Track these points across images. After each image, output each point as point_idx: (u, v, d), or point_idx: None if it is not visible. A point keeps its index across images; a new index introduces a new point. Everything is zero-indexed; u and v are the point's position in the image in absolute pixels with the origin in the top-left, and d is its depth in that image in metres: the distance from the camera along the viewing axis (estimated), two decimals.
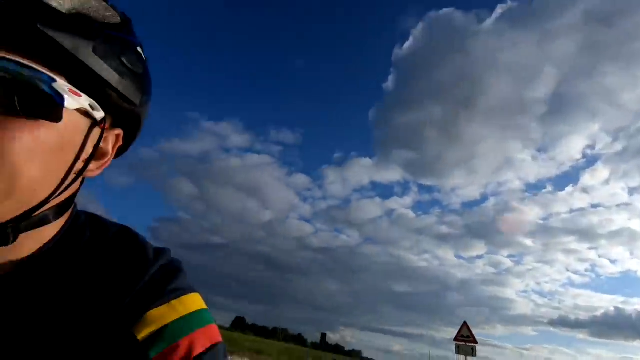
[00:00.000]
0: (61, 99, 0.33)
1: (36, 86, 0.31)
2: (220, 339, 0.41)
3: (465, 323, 10.44)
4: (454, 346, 10.33)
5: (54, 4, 0.32)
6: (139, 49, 0.41)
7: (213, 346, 0.40)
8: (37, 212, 0.36)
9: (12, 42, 0.31)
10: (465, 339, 10.21)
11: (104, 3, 0.38)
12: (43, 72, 0.32)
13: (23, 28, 0.30)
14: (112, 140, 0.41)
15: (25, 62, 0.31)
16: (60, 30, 0.31)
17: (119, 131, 0.42)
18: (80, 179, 0.40)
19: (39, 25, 0.30)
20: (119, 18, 0.39)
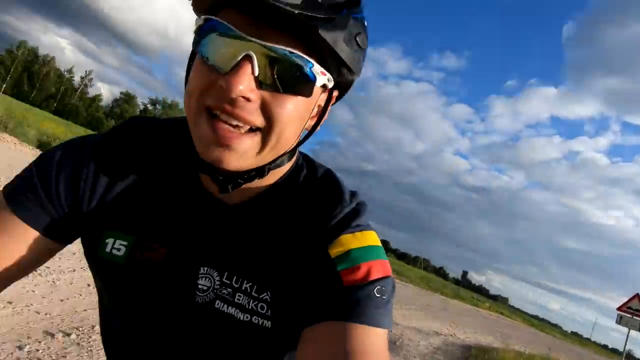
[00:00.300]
0: (315, 79, 0.41)
1: (301, 70, 0.39)
2: (391, 273, 0.48)
3: (637, 295, 9.08)
4: (616, 315, 9.31)
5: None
6: (365, 22, 0.45)
7: (386, 277, 0.47)
8: (283, 156, 0.48)
9: (280, 27, 0.38)
10: (634, 312, 9.01)
11: None
12: (305, 58, 0.39)
13: (302, 26, 0.37)
14: (332, 102, 0.49)
15: (294, 49, 0.38)
16: (329, 31, 0.37)
17: (336, 93, 0.48)
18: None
19: (323, 34, 0.37)
20: None
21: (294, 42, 0.38)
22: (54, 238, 0.48)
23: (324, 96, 0.46)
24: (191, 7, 0.43)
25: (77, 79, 78.59)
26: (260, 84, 0.39)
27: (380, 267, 0.47)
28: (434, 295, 20.86)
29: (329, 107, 0.49)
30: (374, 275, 0.45)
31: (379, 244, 0.50)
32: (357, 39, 0.42)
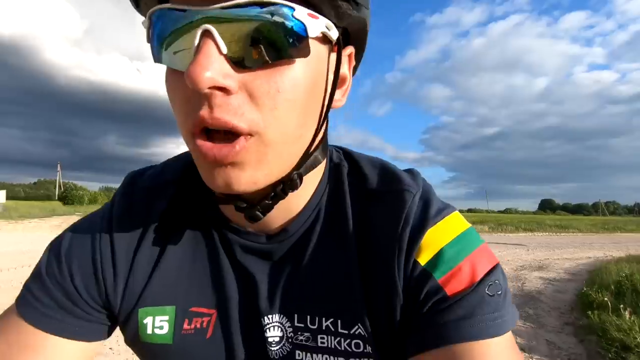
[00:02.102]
0: (304, 29, 0.30)
1: (282, 23, 0.29)
2: (497, 259, 0.39)
3: None
4: None
5: None
6: None
7: (495, 267, 0.38)
8: (310, 155, 0.37)
9: None
10: None
11: None
12: (282, 3, 0.28)
13: None
14: (346, 61, 0.38)
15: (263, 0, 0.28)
16: None
17: (350, 49, 0.38)
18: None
19: None
20: None
21: None
22: (87, 339, 0.41)
23: (333, 56, 0.36)
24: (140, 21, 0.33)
25: None
26: (236, 63, 0.29)
27: (483, 256, 0.38)
28: (605, 235, 20.07)
29: (350, 70, 0.39)
30: (481, 272, 0.37)
31: (468, 224, 0.41)
32: None
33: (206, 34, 0.28)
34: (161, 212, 0.43)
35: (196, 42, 0.28)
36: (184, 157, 0.46)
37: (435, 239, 0.38)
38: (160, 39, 0.31)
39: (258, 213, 0.36)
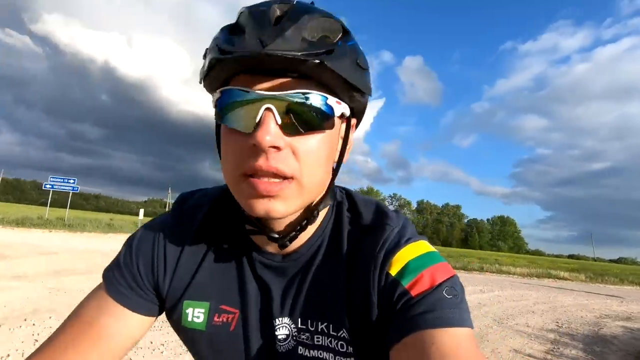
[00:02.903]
0: (332, 111, 0.43)
1: (318, 107, 0.42)
2: (454, 272, 0.49)
3: None
4: None
5: (312, 39, 0.41)
6: (360, 47, 0.48)
7: (451, 277, 0.47)
8: (325, 196, 0.50)
9: (289, 75, 0.41)
10: None
11: (331, 19, 0.44)
12: (319, 94, 0.42)
13: (304, 67, 0.40)
14: (352, 130, 0.51)
15: (307, 90, 0.41)
16: (334, 60, 0.40)
17: (354, 121, 0.51)
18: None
19: (331, 65, 0.40)
20: (341, 27, 0.45)
21: (305, 81, 0.42)
22: (145, 314, 0.54)
23: (343, 126, 0.49)
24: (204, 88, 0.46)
25: None
26: (285, 130, 0.41)
27: (442, 269, 0.48)
28: None
29: (351, 136, 0.51)
30: (439, 279, 0.46)
31: (434, 249, 0.51)
32: (359, 62, 0.45)
33: (268, 109, 0.40)
34: (198, 227, 0.55)
35: (260, 115, 0.40)
36: (221, 187, 0.59)
37: (403, 256, 0.49)
38: (228, 107, 0.42)
39: (287, 242, 0.49)
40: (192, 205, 0.57)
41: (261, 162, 0.40)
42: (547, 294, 10.13)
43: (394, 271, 0.48)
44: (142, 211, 18.34)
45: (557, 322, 6.03)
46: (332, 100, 0.43)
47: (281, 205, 0.43)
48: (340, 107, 0.44)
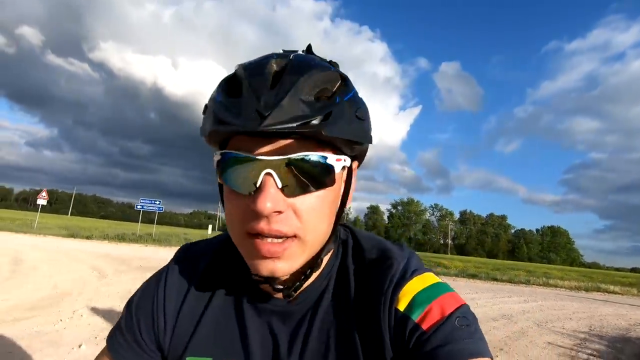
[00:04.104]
0: (333, 168, 0.44)
1: (317, 168, 0.42)
2: (464, 301, 0.48)
3: None
4: None
5: (310, 98, 0.41)
6: (358, 95, 0.48)
7: (461, 306, 0.47)
8: (329, 243, 0.50)
9: (277, 137, 0.41)
10: None
11: (328, 70, 0.45)
12: (318, 154, 0.42)
13: (302, 132, 0.40)
14: (354, 173, 0.51)
15: (307, 152, 0.42)
16: (332, 126, 0.41)
17: (355, 164, 0.52)
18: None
19: (329, 134, 0.40)
20: (339, 76, 0.46)
21: (305, 143, 0.42)
22: None
23: (345, 173, 0.49)
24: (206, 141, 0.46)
25: None
26: (286, 193, 0.42)
27: (451, 299, 0.47)
28: None
29: (354, 179, 0.52)
30: (449, 309, 0.46)
31: (438, 279, 0.51)
32: (357, 115, 0.45)
33: (267, 174, 0.41)
34: (199, 277, 0.55)
35: (260, 179, 0.41)
36: (224, 236, 0.59)
37: (410, 290, 0.48)
38: (228, 169, 0.43)
39: (292, 292, 0.49)
40: (193, 256, 0.58)
41: (263, 225, 0.42)
42: (589, 305, 10.95)
43: (402, 306, 0.47)
44: (210, 226, 20.86)
45: (591, 327, 7.19)
46: (332, 159, 0.44)
47: (285, 265, 0.44)
48: (341, 163, 0.45)
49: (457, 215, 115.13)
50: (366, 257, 0.54)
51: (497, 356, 4.60)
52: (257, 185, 0.41)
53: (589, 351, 5.34)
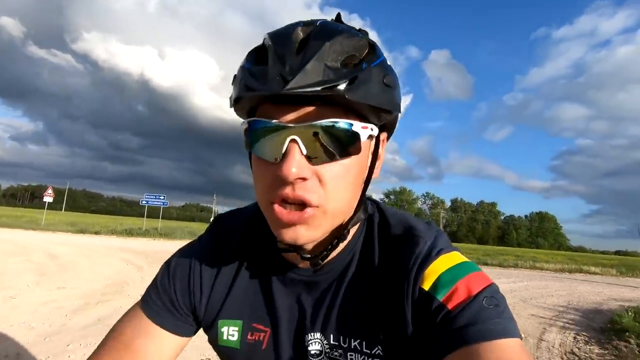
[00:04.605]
0: (358, 136, 0.43)
1: (344, 134, 0.42)
2: (492, 281, 0.47)
3: None
4: None
5: (337, 64, 0.41)
6: (388, 62, 0.47)
7: (489, 285, 0.46)
8: (355, 215, 0.51)
9: (314, 102, 0.41)
10: None
11: (356, 37, 0.44)
12: (344, 121, 0.42)
13: (332, 96, 0.40)
14: (381, 145, 0.52)
15: (333, 119, 0.41)
16: (356, 91, 0.40)
17: (384, 135, 0.52)
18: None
19: (352, 98, 0.40)
20: (367, 43, 0.45)
21: (331, 108, 0.42)
22: (181, 335, 0.57)
23: (372, 143, 0.49)
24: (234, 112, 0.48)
25: None
26: (311, 160, 0.42)
27: (478, 278, 0.47)
28: None
29: (382, 150, 0.52)
30: (476, 289, 0.45)
31: (464, 258, 0.50)
32: (385, 82, 0.44)
33: (293, 141, 0.41)
34: (234, 248, 0.58)
35: (285, 146, 0.41)
36: (255, 206, 0.60)
37: (435, 269, 0.48)
38: (255, 137, 0.44)
39: (319, 261, 0.50)
40: (229, 227, 0.61)
41: (288, 192, 0.42)
42: (570, 284, 12.09)
43: (427, 285, 0.47)
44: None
45: (569, 302, 8.24)
46: (357, 126, 0.43)
47: (307, 233, 0.45)
48: (367, 131, 0.45)
49: (448, 203, 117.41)
50: (392, 232, 0.54)
51: None
52: (283, 152, 0.42)
53: (565, 320, 6.35)
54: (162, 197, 21.22)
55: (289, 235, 0.45)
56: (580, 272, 18.01)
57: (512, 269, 17.23)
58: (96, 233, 18.28)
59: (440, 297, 0.45)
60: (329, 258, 0.53)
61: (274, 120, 0.42)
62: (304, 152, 0.42)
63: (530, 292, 9.50)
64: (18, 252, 9.18)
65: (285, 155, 0.41)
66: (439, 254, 0.50)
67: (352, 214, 0.50)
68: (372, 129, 0.46)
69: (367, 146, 0.48)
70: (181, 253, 0.61)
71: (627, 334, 5.01)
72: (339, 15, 0.50)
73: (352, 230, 0.54)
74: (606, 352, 4.50)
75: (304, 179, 0.42)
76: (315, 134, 0.42)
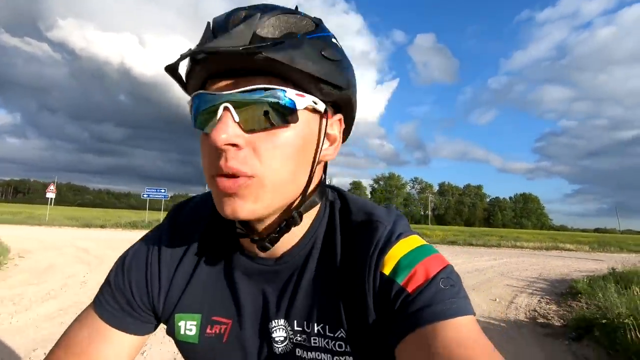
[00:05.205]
0: (294, 104, 0.42)
1: (277, 101, 0.42)
2: (448, 262, 0.48)
3: None
4: None
5: (269, 35, 0.42)
6: (333, 40, 0.48)
7: (444, 267, 0.47)
8: (307, 197, 0.48)
9: (251, 73, 0.41)
10: None
11: (299, 16, 0.45)
12: (276, 88, 0.42)
13: (255, 61, 0.40)
14: (336, 125, 0.51)
15: (265, 85, 0.41)
16: (278, 51, 0.40)
17: (339, 116, 0.51)
18: (323, 163, 0.51)
19: (267, 55, 0.39)
20: (313, 23, 0.46)
21: (268, 79, 0.42)
22: (139, 334, 0.55)
23: (319, 119, 0.48)
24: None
25: None
26: (246, 128, 0.42)
27: (435, 261, 0.48)
28: None
29: (340, 131, 0.51)
30: (433, 271, 0.46)
31: (423, 242, 0.51)
32: (324, 53, 0.44)
33: (226, 109, 0.41)
34: (196, 239, 0.56)
35: (219, 114, 0.42)
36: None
37: (395, 254, 0.48)
38: (198, 111, 0.44)
39: (267, 244, 0.49)
40: (191, 216, 0.59)
41: (221, 163, 0.42)
42: (544, 260, 13.50)
43: (387, 270, 0.48)
44: None
45: (540, 274, 9.53)
46: (291, 93, 0.42)
47: (245, 204, 0.43)
48: (305, 100, 0.44)
49: (436, 187, 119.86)
50: (353, 219, 0.54)
51: (470, 295, 6.68)
52: (217, 120, 0.42)
53: (534, 288, 7.59)
54: (162, 190, 21.96)
55: (228, 206, 0.44)
56: (557, 249, 19.63)
57: (495, 249, 18.64)
58: (101, 227, 19.00)
59: (400, 281, 0.46)
60: (289, 247, 0.52)
61: (210, 92, 0.43)
62: (236, 118, 0.42)
63: (508, 267, 10.80)
64: (50, 247, 9.96)
65: (217, 124, 0.41)
66: (398, 238, 0.50)
67: (299, 192, 0.48)
68: (314, 102, 0.45)
69: (308, 119, 0.46)
70: (138, 246, 0.58)
71: (579, 295, 6.24)
72: (296, 7, 0.50)
73: (310, 216, 0.53)
74: (561, 309, 5.71)
75: (236, 146, 0.42)
76: (248, 102, 0.42)
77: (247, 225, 0.50)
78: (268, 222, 0.48)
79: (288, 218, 0.48)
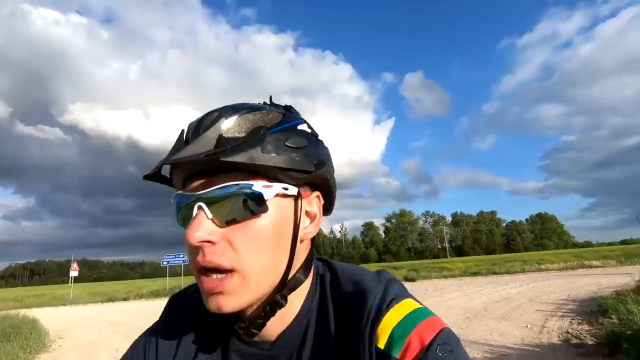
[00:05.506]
0: (261, 195, 0.44)
1: (246, 195, 0.44)
2: (444, 325, 0.46)
3: None
4: None
5: (236, 134, 0.44)
6: (299, 127, 0.50)
7: (441, 330, 0.45)
8: (289, 278, 0.48)
9: (222, 171, 0.44)
10: None
11: (265, 111, 0.48)
12: (243, 183, 0.44)
13: (221, 162, 0.42)
14: (315, 202, 0.52)
15: (234, 182, 0.43)
16: (238, 153, 0.42)
17: (317, 193, 0.52)
18: (307, 240, 0.52)
19: (226, 159, 0.41)
20: (279, 114, 0.48)
21: (237, 174, 0.44)
22: None
23: (293, 201, 0.49)
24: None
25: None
26: (219, 224, 0.44)
27: (429, 326, 0.45)
28: None
29: (320, 207, 0.52)
30: (428, 338, 0.44)
31: (418, 305, 0.49)
32: (287, 143, 0.46)
33: (199, 207, 0.44)
34: (190, 328, 0.56)
35: (194, 213, 0.44)
36: None
37: (387, 324, 0.46)
38: (178, 209, 0.47)
39: (253, 330, 0.48)
40: (185, 306, 0.59)
41: (199, 259, 0.44)
42: (571, 280, 13.40)
43: (381, 343, 0.45)
44: None
45: (568, 295, 9.55)
46: (258, 186, 0.44)
47: (229, 300, 0.44)
48: (273, 190, 0.45)
49: (449, 219, 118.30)
50: (342, 290, 0.53)
51: (501, 324, 6.78)
52: (192, 218, 0.44)
53: (564, 310, 7.66)
54: (181, 255, 22.32)
55: (213, 303, 0.45)
56: (583, 268, 19.21)
57: (519, 274, 18.42)
58: (125, 299, 19.16)
59: (396, 354, 0.44)
60: (283, 329, 0.51)
61: (186, 192, 0.46)
62: (209, 215, 0.44)
63: (536, 292, 10.79)
64: (83, 325, 10.28)
65: (191, 222, 0.44)
66: (389, 306, 0.48)
67: (281, 276, 0.48)
68: (284, 188, 0.46)
69: (282, 205, 0.47)
70: (137, 342, 0.59)
71: (608, 312, 6.33)
72: (270, 98, 0.54)
73: (300, 295, 0.52)
74: (592, 328, 5.82)
75: (210, 242, 0.43)
76: (219, 199, 0.44)
77: (233, 314, 0.49)
78: (252, 309, 0.49)
79: (271, 302, 0.48)
